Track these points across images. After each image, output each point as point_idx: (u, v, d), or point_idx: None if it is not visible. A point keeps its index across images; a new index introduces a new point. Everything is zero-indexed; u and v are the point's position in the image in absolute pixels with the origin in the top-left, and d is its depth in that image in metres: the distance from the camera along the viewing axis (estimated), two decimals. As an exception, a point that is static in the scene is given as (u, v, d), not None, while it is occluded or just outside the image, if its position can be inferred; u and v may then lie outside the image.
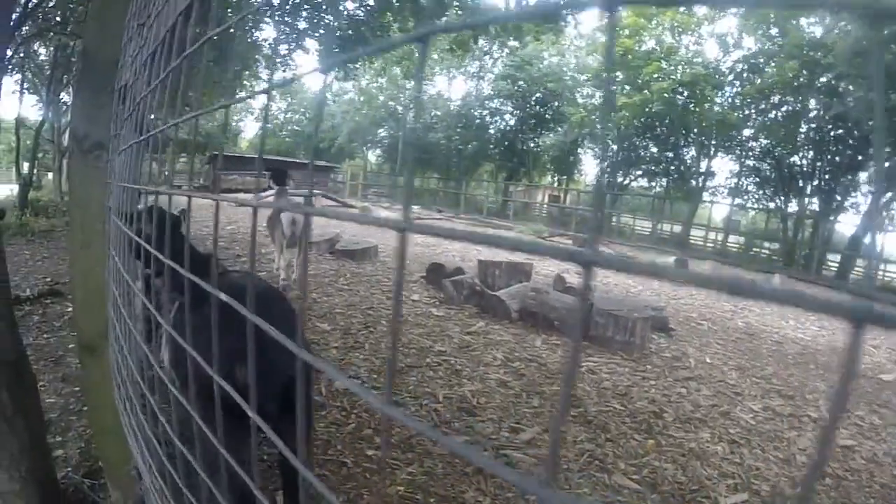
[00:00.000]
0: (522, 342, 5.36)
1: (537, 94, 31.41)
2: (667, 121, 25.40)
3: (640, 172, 29.87)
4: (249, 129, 47.15)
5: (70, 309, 5.21)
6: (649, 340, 5.77)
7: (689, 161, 27.77)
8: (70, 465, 2.84)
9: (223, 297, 0.83)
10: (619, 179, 29.40)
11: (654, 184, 30.51)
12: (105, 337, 1.98)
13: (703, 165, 27.20)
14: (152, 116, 1.43)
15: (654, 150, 28.15)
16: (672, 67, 25.14)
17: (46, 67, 16.24)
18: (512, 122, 33.59)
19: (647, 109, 25.13)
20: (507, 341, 5.36)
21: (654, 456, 3.47)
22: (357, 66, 13.34)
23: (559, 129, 31.36)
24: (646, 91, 24.56)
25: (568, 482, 3.05)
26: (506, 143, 33.49)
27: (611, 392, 4.43)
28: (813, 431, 4.18)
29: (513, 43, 25.74)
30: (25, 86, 18.38)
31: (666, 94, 23.90)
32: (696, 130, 26.07)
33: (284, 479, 2.24)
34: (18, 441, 1.90)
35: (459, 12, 11.05)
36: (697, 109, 24.92)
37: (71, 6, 11.23)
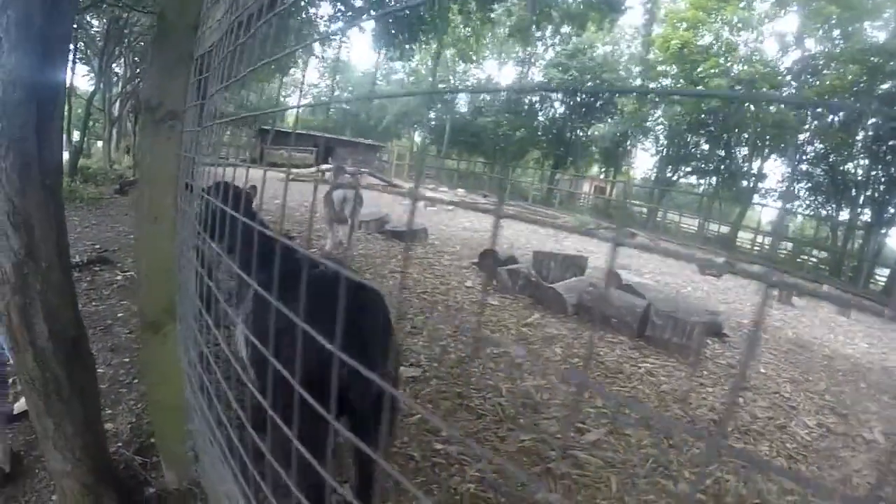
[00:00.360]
0: (580, 338, 5.21)
1: (589, 84, 30.85)
2: (721, 118, 24.62)
3: (689, 169, 29.25)
4: (296, 104, 47.45)
5: (119, 277, 5.24)
6: (705, 345, 5.55)
7: (740, 161, 27.07)
8: (121, 440, 2.79)
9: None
10: (668, 175, 28.80)
11: (703, 182, 29.92)
12: (170, 314, 1.89)
13: (755, 166, 26.51)
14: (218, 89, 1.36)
15: (706, 147, 27.44)
16: (730, 64, 24.42)
17: (99, 39, 16.44)
18: (561, 111, 33.11)
19: (702, 105, 24.45)
20: (563, 336, 5.20)
21: (717, 466, 3.30)
22: (412, 46, 13.16)
23: (609, 119, 30.80)
24: (700, 87, 23.93)
25: (635, 487, 2.91)
26: (554, 131, 33.07)
27: (670, 397, 4.28)
28: (867, 454, 3.99)
29: (565, 29, 25.36)
30: (78, 56, 18.62)
31: (725, 91, 23.06)
32: (749, 130, 25.39)
33: (360, 472, 2.14)
34: (73, 422, 1.84)
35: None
36: (753, 109, 24.19)
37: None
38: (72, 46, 18.19)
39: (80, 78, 19.41)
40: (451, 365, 4.18)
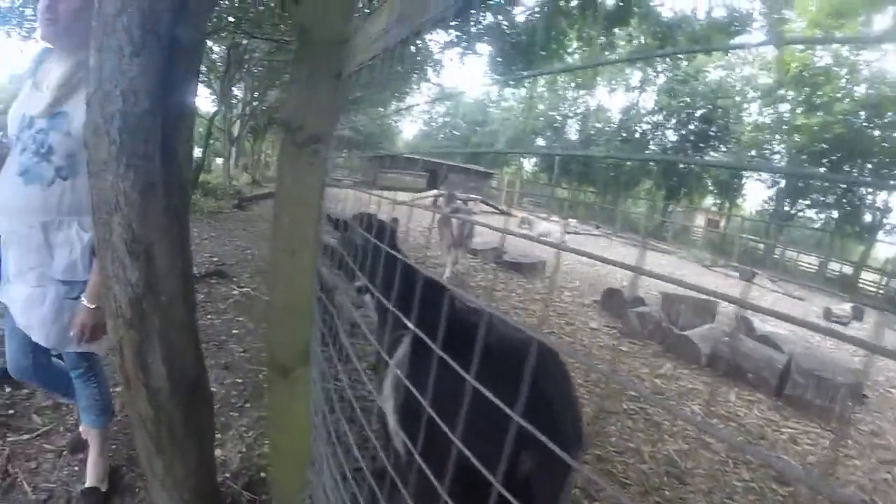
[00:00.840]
0: (716, 394, 4.70)
1: (701, 111, 29.58)
2: (843, 146, 22.74)
3: (807, 202, 27.25)
4: (407, 129, 48.76)
5: (235, 292, 5.24)
6: (851, 411, 4.91)
7: (864, 193, 24.85)
8: (229, 469, 2.65)
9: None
10: (786, 208, 26.96)
11: (822, 216, 27.88)
12: (302, 358, 1.67)
13: (880, 200, 24.32)
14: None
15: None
16: (852, 87, 22.55)
17: (220, 63, 17.51)
18: (674, 139, 31.91)
19: (826, 134, 22.67)
20: (699, 391, 4.71)
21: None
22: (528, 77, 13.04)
23: (724, 148, 29.33)
24: (819, 113, 22.27)
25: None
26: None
27: (818, 469, 3.79)
28: None
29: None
30: (200, 78, 20.01)
31: (847, 117, 21.46)
32: (874, 160, 23.08)
33: None
34: (186, 464, 1.67)
35: (641, 20, 10.39)
36: (879, 135, 22.15)
37: (244, 5, 11.77)
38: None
39: (202, 100, 20.83)
40: (587, 421, 3.80)
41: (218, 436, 2.88)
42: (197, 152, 16.72)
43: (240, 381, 3.52)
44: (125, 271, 1.31)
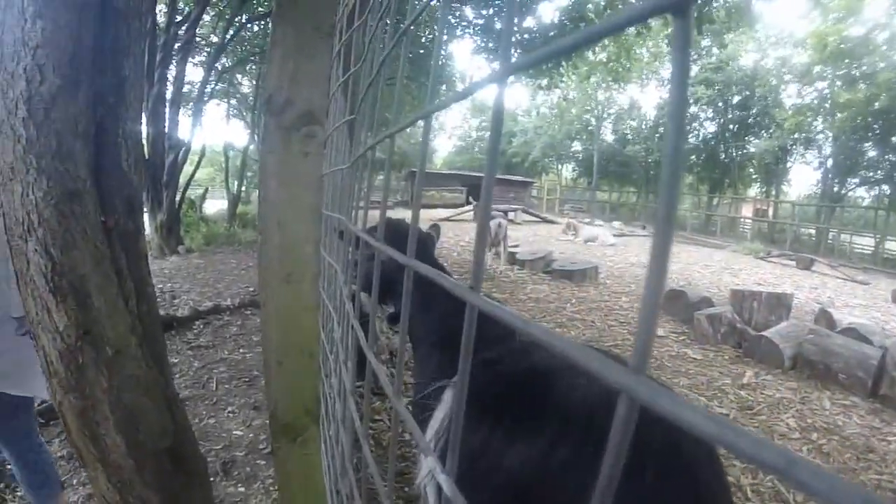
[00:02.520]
0: (808, 402, 4.11)
1: (738, 98, 28.56)
2: (892, 117, 21.22)
3: (856, 180, 25.93)
4: (442, 146, 49.05)
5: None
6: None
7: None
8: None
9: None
10: (835, 189, 25.62)
11: (872, 193, 26.68)
12: (312, 415, 1.26)
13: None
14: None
15: (873, 153, 24.08)
16: (893, 53, 20.83)
17: (250, 96, 17.93)
18: (712, 130, 30.89)
19: (872, 107, 21.32)
20: (789, 400, 4.11)
21: None
22: (561, 73, 12.77)
23: (765, 133, 28.22)
24: (862, 84, 21.01)
25: None
26: (706, 152, 30.83)
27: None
28: None
29: (706, 43, 23.54)
30: (231, 112, 20.90)
31: (894, 86, 19.97)
32: None
33: None
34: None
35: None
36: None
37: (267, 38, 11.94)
38: (225, 103, 20.20)
39: (235, 133, 21.96)
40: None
41: (241, 489, 2.58)
42: (234, 185, 17.10)
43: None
44: (50, 315, 0.95)
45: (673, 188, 0.19)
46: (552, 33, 11.01)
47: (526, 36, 11.35)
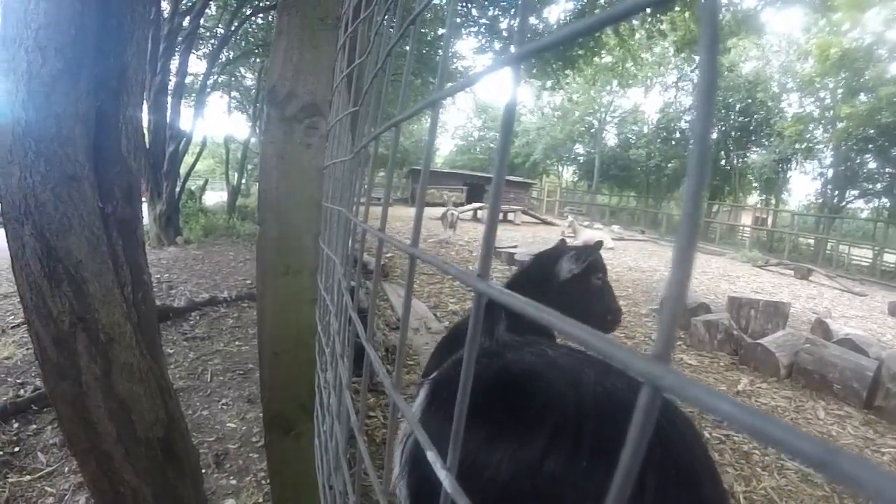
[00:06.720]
0: (802, 412, 4.12)
1: (740, 105, 28.57)
2: (893, 130, 21.21)
3: (855, 192, 25.96)
4: (444, 145, 49.05)
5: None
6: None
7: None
8: (244, 523, 2.33)
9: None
10: (834, 200, 25.67)
11: (871, 205, 26.79)
12: (307, 409, 1.25)
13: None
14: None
15: (873, 164, 24.10)
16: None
17: (252, 89, 17.95)
18: (714, 136, 30.87)
19: (874, 119, 21.25)
20: (783, 408, 4.12)
21: None
22: (567, 74, 12.81)
23: (766, 142, 28.24)
24: (861, 96, 21.01)
25: None
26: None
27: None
28: None
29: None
30: (233, 105, 20.76)
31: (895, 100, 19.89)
32: None
33: None
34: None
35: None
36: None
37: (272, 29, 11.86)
38: (227, 95, 20.24)
39: (236, 126, 21.91)
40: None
41: (233, 482, 2.57)
42: (234, 178, 17.09)
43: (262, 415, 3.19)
44: (45, 300, 0.94)
45: (701, 173, 0.19)
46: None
47: (531, 35, 11.36)
